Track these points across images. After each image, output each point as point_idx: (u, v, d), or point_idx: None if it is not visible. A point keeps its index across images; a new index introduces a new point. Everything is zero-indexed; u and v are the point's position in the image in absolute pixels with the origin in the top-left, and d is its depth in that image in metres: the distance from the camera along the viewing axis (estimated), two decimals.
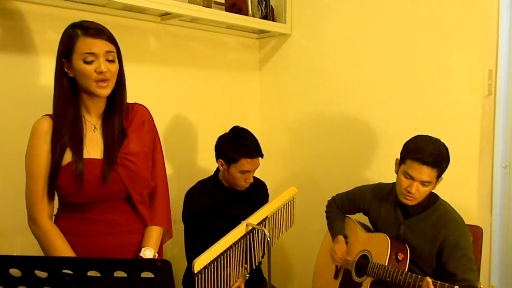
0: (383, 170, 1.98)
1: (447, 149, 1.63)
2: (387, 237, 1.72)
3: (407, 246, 1.71)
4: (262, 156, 1.90)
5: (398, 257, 1.67)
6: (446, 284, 1.43)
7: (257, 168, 1.92)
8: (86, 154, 1.37)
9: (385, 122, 2.23)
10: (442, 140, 1.65)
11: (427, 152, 1.58)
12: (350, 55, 2.34)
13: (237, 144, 1.86)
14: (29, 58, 1.81)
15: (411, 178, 1.61)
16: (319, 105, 2.51)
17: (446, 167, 1.63)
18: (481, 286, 1.35)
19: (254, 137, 1.92)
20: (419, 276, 1.53)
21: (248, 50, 2.72)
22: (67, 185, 1.35)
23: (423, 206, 1.71)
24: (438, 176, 1.62)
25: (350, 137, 2.38)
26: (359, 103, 2.32)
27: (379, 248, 1.72)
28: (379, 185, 1.90)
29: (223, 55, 2.58)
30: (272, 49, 2.71)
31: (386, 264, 1.66)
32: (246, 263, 1.41)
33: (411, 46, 2.12)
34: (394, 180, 1.75)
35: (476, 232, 1.81)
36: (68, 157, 1.35)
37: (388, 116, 2.22)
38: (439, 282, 1.47)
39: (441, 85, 2.03)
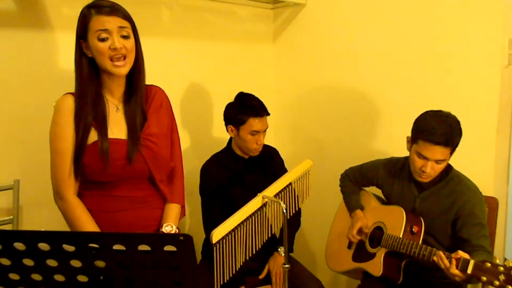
0: (396, 142, 1.96)
1: (458, 123, 1.59)
2: (403, 210, 1.73)
3: (422, 219, 1.72)
4: (268, 114, 1.95)
5: (413, 229, 1.68)
6: (461, 257, 1.44)
7: (266, 128, 1.95)
8: (111, 134, 1.39)
9: (399, 93, 2.20)
10: (459, 112, 1.62)
11: (439, 133, 1.54)
12: (365, 25, 2.29)
13: (243, 106, 1.92)
14: (44, 34, 1.82)
15: (425, 158, 1.59)
16: (335, 76, 2.48)
17: (459, 141, 1.60)
18: (497, 261, 1.36)
19: (259, 99, 1.96)
20: (434, 249, 1.54)
21: (262, 21, 2.68)
22: (92, 163, 1.37)
23: (437, 179, 1.70)
24: (452, 152, 1.60)
25: (365, 108, 2.36)
26: (374, 74, 2.29)
27: (394, 220, 1.74)
28: (391, 160, 1.90)
29: (236, 26, 2.54)
30: (286, 20, 2.66)
31: (401, 236, 1.68)
32: (262, 234, 1.44)
33: (428, 15, 2.06)
34: (406, 153, 1.75)
35: (492, 203, 1.80)
36: (93, 136, 1.38)
37: (403, 87, 2.19)
38: (450, 253, 1.48)
39: (459, 55, 1.99)
